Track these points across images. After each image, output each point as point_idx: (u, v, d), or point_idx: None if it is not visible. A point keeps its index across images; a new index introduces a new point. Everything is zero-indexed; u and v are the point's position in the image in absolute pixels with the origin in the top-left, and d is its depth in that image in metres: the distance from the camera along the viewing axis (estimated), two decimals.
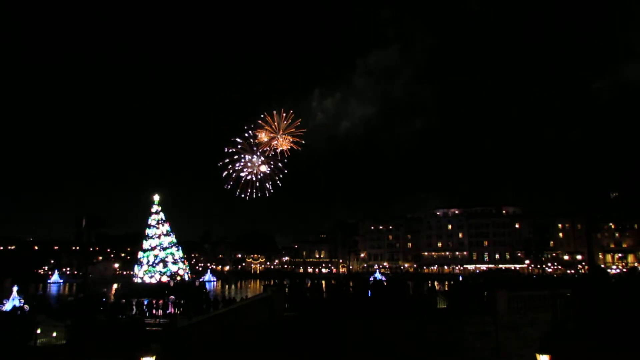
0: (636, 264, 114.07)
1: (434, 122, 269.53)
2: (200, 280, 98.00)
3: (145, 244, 78.18)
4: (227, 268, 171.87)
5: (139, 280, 75.84)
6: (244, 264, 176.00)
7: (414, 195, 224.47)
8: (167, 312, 32.92)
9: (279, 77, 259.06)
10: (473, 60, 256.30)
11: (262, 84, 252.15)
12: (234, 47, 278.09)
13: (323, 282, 53.18)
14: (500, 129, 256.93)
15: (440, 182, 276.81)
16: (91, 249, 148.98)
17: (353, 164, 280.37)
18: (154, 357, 14.89)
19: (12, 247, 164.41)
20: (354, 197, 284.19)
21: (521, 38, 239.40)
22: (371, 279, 64.51)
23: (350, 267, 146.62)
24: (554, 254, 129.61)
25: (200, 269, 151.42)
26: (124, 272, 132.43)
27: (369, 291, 26.56)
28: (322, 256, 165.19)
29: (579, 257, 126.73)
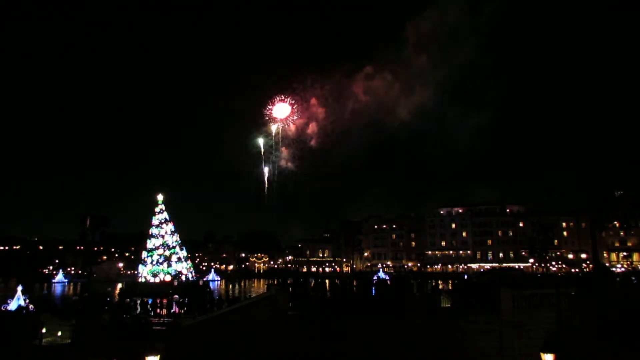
0: None
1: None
2: (204, 279, 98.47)
3: (150, 244, 78.45)
4: (230, 267, 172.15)
5: (143, 280, 76.14)
6: (247, 263, 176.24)
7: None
8: (171, 311, 32.99)
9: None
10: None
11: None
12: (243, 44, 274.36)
13: (327, 281, 53.10)
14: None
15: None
16: (95, 249, 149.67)
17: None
18: (159, 356, 14.97)
19: (17, 247, 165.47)
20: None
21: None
22: (375, 278, 64.41)
23: (354, 266, 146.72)
24: (558, 253, 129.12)
25: (204, 268, 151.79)
26: (128, 272, 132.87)
27: (373, 290, 26.56)
28: (325, 255, 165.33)
29: (583, 255, 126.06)
